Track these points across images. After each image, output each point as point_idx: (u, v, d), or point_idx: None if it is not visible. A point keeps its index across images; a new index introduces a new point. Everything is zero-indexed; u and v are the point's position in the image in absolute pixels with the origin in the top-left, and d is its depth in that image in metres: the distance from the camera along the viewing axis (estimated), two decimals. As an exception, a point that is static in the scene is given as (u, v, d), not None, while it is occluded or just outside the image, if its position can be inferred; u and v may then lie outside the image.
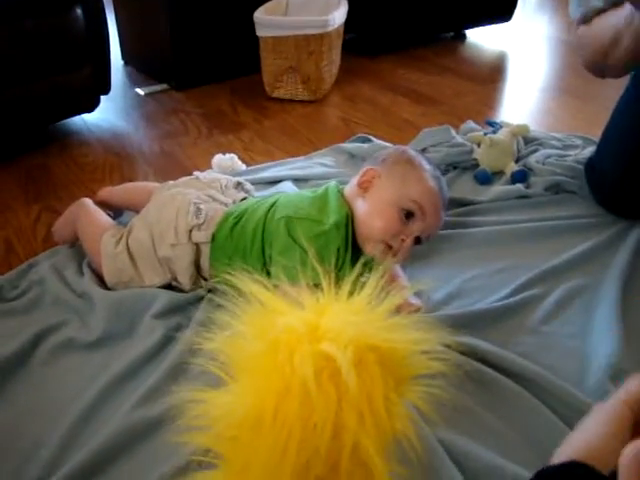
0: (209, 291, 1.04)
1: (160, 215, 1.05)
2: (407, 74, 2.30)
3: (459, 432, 0.77)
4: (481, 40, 2.75)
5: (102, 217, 1.15)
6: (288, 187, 1.38)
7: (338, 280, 0.64)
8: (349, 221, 0.98)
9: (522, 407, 0.82)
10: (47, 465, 0.74)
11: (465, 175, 1.47)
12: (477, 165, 1.47)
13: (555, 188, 1.36)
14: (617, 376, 0.84)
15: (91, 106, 1.75)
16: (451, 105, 1.98)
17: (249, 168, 1.52)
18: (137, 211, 1.14)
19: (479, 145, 1.49)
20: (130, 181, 1.45)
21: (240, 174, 1.43)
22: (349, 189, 1.05)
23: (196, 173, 1.19)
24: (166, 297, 1.00)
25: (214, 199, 1.09)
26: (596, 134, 1.37)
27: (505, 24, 2.81)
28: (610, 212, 1.26)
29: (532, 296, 1.04)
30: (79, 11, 1.58)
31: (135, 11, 2.25)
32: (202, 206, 1.04)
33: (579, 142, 1.60)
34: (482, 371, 0.86)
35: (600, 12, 1.04)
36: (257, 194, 1.25)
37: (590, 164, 1.32)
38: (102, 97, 1.79)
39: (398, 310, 0.62)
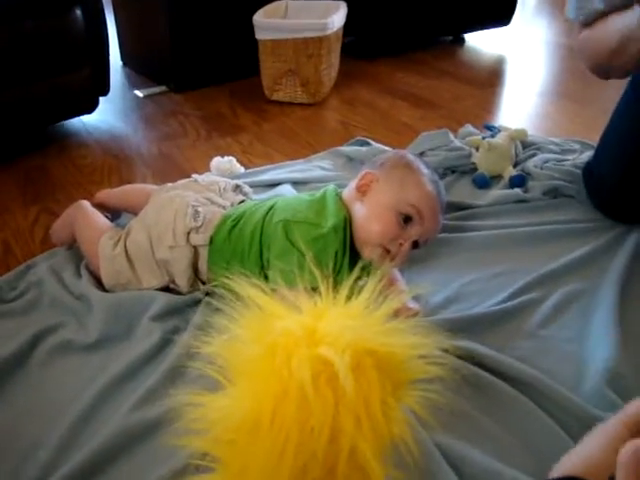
0: (207, 294, 1.04)
1: (158, 217, 1.05)
2: (406, 78, 2.30)
3: (456, 436, 0.77)
4: (480, 44, 2.76)
5: (100, 219, 1.15)
6: (287, 190, 1.38)
7: (336, 284, 0.64)
8: (347, 225, 0.98)
9: (519, 411, 0.82)
10: (45, 466, 0.74)
11: (463, 179, 1.48)
12: (475, 169, 1.48)
13: (553, 192, 1.37)
14: (614, 380, 0.84)
15: (90, 107, 1.75)
16: (450, 109, 1.99)
17: (248, 171, 1.52)
18: (135, 213, 1.14)
19: (477, 149, 1.50)
20: (128, 183, 1.45)
21: (239, 177, 1.43)
22: (347, 193, 1.05)
23: (194, 176, 1.19)
24: (164, 299, 1.00)
25: (212, 202, 1.09)
26: (594, 138, 1.37)
27: (504, 28, 2.82)
28: (608, 217, 1.26)
29: (530, 300, 1.04)
30: (78, 12, 1.59)
31: (134, 13, 2.25)
32: (200, 209, 1.04)
33: (577, 147, 1.60)
34: (479, 375, 0.86)
35: (602, 15, 1.04)
36: (255, 197, 1.25)
37: (588, 168, 1.33)
38: (101, 99, 1.79)
39: (396, 314, 0.62)
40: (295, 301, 0.62)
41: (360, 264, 0.72)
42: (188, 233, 1.02)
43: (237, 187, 1.19)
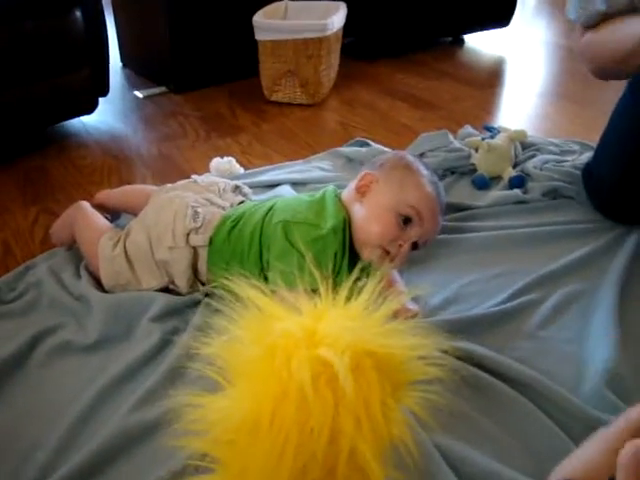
0: (206, 295, 1.04)
1: (158, 218, 1.05)
2: (405, 79, 2.31)
3: (455, 437, 0.77)
4: (479, 45, 2.76)
5: (99, 220, 1.15)
6: (286, 191, 1.38)
7: (335, 285, 0.64)
8: (346, 226, 0.98)
9: (518, 412, 0.82)
10: (44, 467, 0.74)
11: (463, 180, 1.48)
12: (475, 170, 1.48)
13: (553, 193, 1.37)
14: (614, 381, 0.84)
15: (90, 108, 1.75)
16: (449, 110, 1.99)
17: (247, 171, 1.52)
18: (135, 214, 1.14)
19: (477, 150, 1.50)
20: (128, 184, 1.45)
21: (238, 177, 1.43)
22: (347, 193, 1.05)
23: (194, 176, 1.19)
24: (163, 300, 1.00)
25: (212, 202, 1.09)
26: (594, 139, 1.37)
27: (503, 29, 2.82)
28: (608, 217, 1.26)
29: (529, 301, 1.04)
30: (78, 13, 1.59)
31: (134, 14, 2.25)
32: (200, 209, 1.04)
33: (577, 147, 1.60)
34: (479, 376, 0.86)
35: (603, 16, 1.03)
36: (255, 198, 1.25)
37: (588, 169, 1.33)
38: (100, 99, 1.79)
39: (395, 315, 0.62)
40: (295, 302, 0.62)
41: (359, 265, 0.72)
42: (187, 234, 1.02)
43: (236, 188, 1.19)
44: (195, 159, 1.64)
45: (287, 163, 1.58)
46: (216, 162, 1.50)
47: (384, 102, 2.07)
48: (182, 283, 1.03)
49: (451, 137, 1.59)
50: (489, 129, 1.64)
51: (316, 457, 0.53)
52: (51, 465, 0.74)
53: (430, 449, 0.73)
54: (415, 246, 1.00)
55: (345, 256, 0.97)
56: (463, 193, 1.42)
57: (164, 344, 0.94)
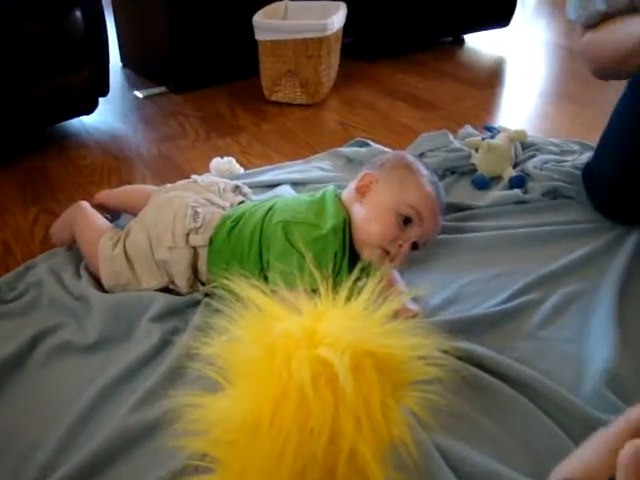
0: (206, 295, 1.03)
1: (158, 218, 1.04)
2: (405, 79, 2.31)
3: (456, 437, 0.77)
4: (479, 45, 2.76)
5: (99, 220, 1.15)
6: (286, 191, 1.38)
7: (335, 285, 0.64)
8: (346, 226, 0.98)
9: (518, 412, 0.82)
10: (44, 467, 0.74)
11: (463, 180, 1.48)
12: (475, 170, 1.48)
13: (553, 193, 1.37)
14: (614, 381, 0.84)
15: (89, 108, 1.75)
16: (449, 110, 1.99)
17: (247, 171, 1.52)
18: (135, 214, 1.14)
19: (477, 150, 1.50)
20: (128, 184, 1.45)
21: (238, 177, 1.43)
22: (347, 194, 1.05)
23: (194, 176, 1.19)
24: (163, 300, 1.00)
25: (212, 202, 1.09)
26: (594, 139, 1.37)
27: (503, 29, 2.82)
28: (608, 218, 1.26)
29: (529, 301, 1.04)
30: (78, 13, 1.59)
31: (134, 14, 2.25)
32: (200, 209, 1.04)
33: (577, 147, 1.60)
34: (479, 376, 0.86)
35: (604, 16, 1.03)
36: (255, 198, 1.25)
37: (588, 170, 1.33)
38: (100, 99, 1.79)
39: (395, 315, 0.62)
40: (295, 302, 0.62)
41: (359, 265, 0.72)
42: (187, 234, 1.02)
43: (236, 188, 1.19)
44: (195, 159, 1.64)
45: (287, 163, 1.58)
46: (216, 162, 1.50)
47: (384, 102, 2.07)
48: (182, 283, 1.03)
49: (451, 137, 1.59)
50: (489, 129, 1.64)
51: (316, 457, 0.53)
52: (51, 465, 0.74)
53: (430, 449, 0.73)
54: (415, 246, 1.00)
55: (345, 256, 0.97)
56: (463, 193, 1.42)
57: (164, 344, 0.94)
